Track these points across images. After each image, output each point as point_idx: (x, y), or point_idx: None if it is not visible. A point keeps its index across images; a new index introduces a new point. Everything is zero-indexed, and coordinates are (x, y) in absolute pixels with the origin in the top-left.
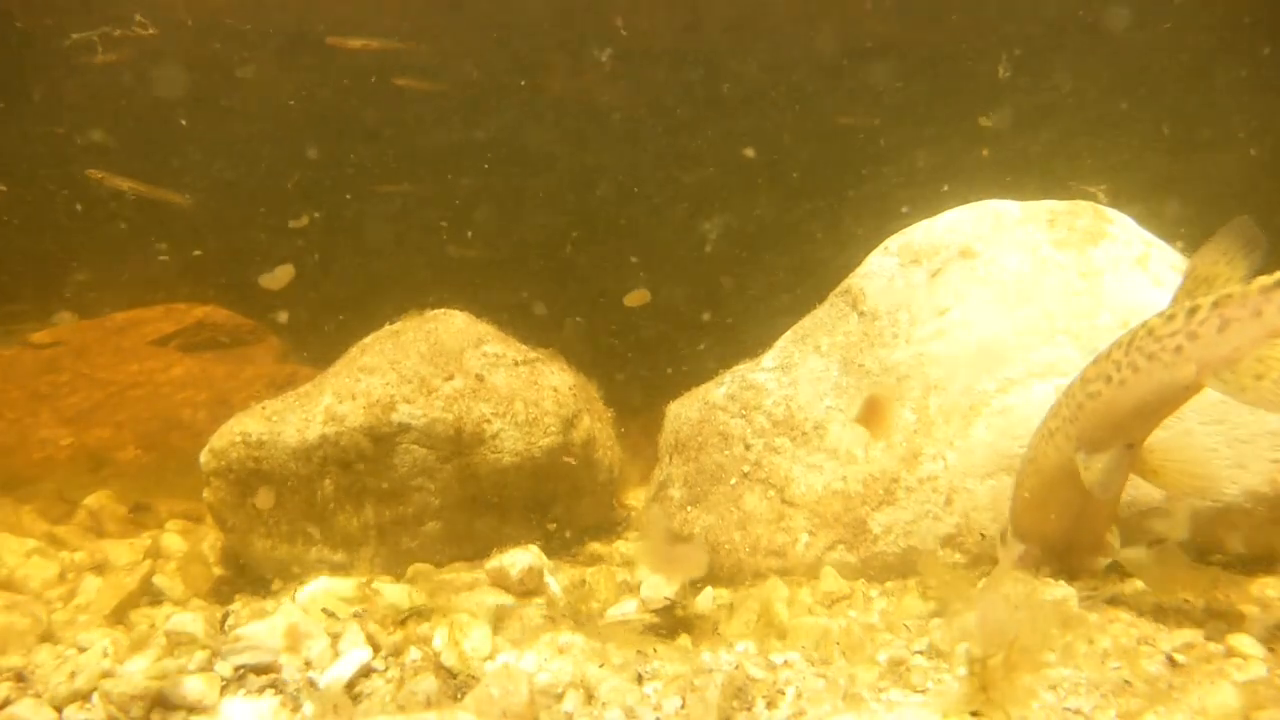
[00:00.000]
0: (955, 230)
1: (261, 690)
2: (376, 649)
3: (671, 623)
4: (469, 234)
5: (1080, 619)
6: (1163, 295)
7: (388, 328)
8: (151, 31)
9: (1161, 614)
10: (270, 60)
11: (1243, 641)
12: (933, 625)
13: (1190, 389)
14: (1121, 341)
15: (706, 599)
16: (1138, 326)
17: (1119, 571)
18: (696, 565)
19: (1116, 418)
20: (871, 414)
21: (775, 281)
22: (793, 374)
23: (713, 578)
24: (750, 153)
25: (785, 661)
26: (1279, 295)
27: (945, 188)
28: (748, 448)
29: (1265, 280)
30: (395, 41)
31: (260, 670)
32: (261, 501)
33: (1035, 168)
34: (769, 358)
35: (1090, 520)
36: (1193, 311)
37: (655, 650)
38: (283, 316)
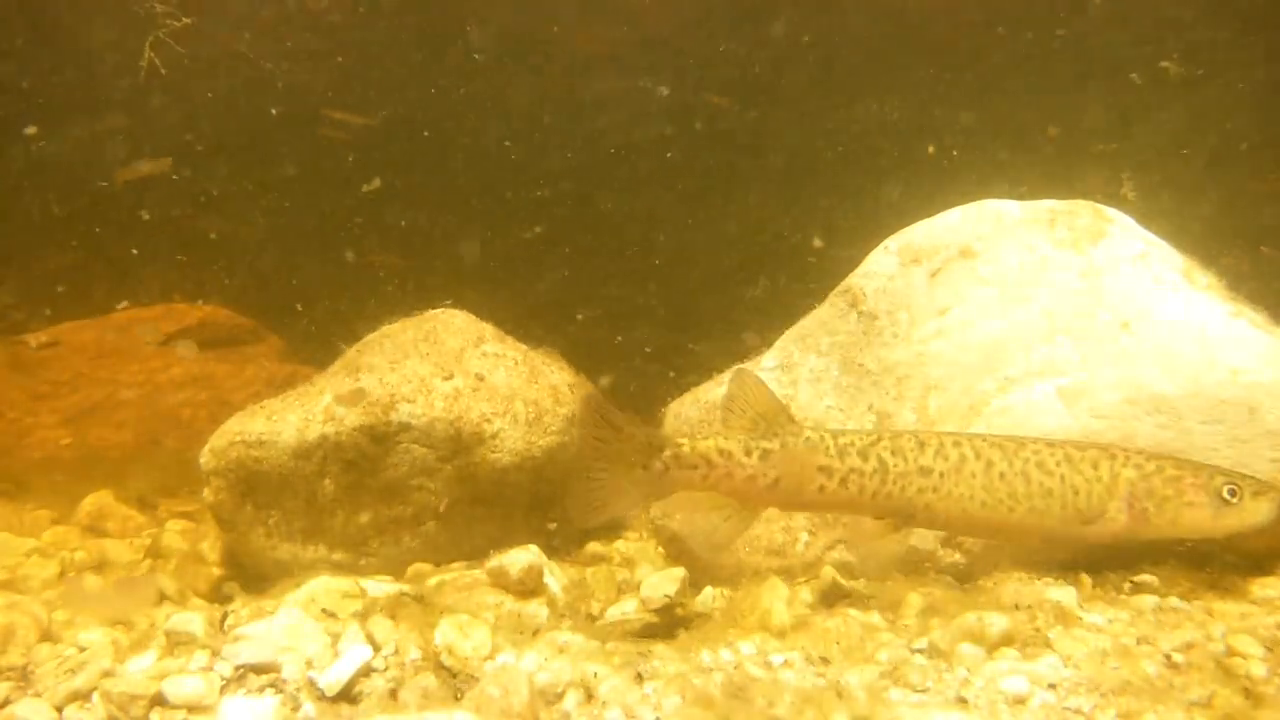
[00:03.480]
0: (955, 230)
1: (261, 690)
2: (376, 648)
3: (671, 622)
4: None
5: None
6: (1162, 294)
7: (386, 327)
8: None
9: (1161, 614)
10: None
11: (1242, 641)
12: (933, 625)
13: None
14: None
15: (706, 598)
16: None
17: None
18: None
19: None
20: None
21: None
22: (793, 373)
23: (712, 577)
24: None
25: (785, 661)
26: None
27: None
28: None
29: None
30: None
31: (260, 670)
32: (261, 501)
33: None
34: (769, 357)
35: None
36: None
37: (655, 650)
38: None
